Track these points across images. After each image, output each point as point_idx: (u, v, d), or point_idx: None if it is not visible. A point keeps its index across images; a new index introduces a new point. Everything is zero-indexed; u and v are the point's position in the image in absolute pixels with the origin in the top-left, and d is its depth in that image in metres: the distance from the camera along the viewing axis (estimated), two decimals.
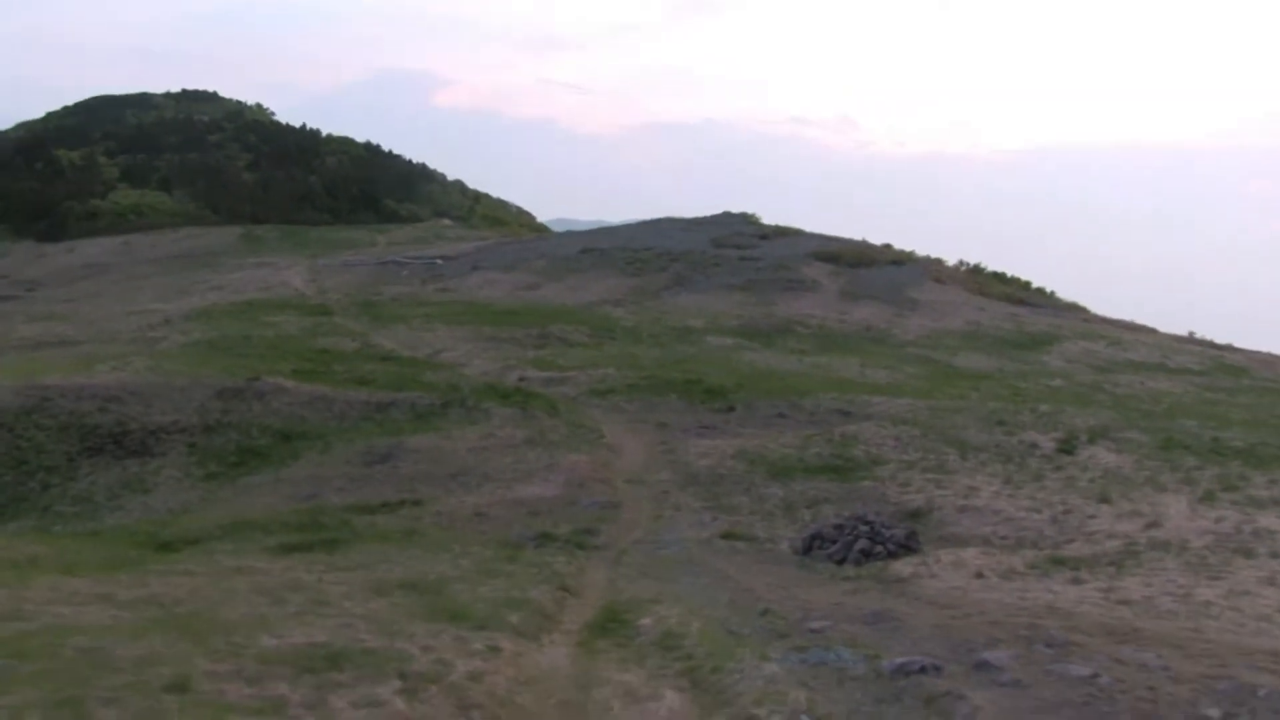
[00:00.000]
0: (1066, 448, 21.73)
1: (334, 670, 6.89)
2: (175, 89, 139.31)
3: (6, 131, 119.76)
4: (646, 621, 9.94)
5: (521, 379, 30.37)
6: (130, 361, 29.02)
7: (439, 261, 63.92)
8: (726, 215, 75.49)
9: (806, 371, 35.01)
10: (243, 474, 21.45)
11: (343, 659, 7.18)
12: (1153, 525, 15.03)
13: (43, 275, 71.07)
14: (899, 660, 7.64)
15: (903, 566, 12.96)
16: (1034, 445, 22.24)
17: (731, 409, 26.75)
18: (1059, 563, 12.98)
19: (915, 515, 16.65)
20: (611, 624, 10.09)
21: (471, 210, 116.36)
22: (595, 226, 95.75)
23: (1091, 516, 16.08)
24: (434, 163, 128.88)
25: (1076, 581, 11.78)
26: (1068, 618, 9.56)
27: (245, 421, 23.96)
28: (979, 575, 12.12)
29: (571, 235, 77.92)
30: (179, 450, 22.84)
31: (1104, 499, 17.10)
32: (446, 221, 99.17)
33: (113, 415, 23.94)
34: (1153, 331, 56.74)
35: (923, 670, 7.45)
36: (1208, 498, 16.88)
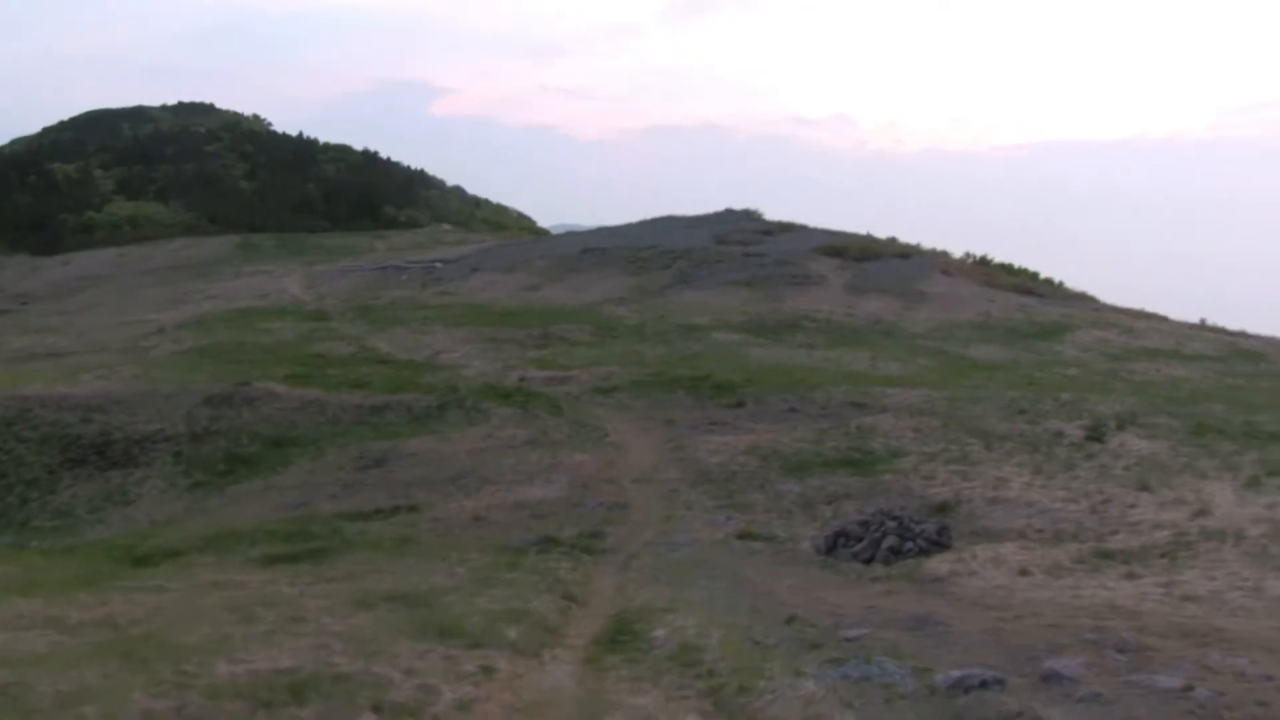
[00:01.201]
0: (1095, 435, 20.66)
1: (296, 703, 5.87)
2: (171, 102, 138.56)
3: (1, 147, 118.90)
4: (660, 633, 8.90)
5: (523, 379, 29.31)
6: (117, 370, 28.02)
7: (438, 265, 62.87)
8: (729, 212, 74.29)
9: (817, 365, 33.90)
10: (231, 483, 20.45)
11: (309, 688, 6.16)
12: (1201, 514, 13.97)
13: (37, 289, 70.14)
14: (955, 674, 6.59)
15: (937, 564, 11.90)
16: (1060, 433, 21.18)
17: (741, 404, 25.68)
18: (1107, 556, 11.93)
19: (943, 509, 15.58)
20: (622, 636, 9.04)
21: (472, 216, 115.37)
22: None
23: (1132, 506, 15.03)
24: (434, 171, 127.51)
25: (1131, 576, 10.72)
26: (1134, 617, 8.51)
27: (234, 429, 22.95)
28: (1023, 572, 11.05)
29: (572, 236, 76.85)
30: (164, 460, 21.84)
31: (1143, 487, 16.05)
32: (446, 227, 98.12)
33: (96, 425, 22.95)
34: (1164, 319, 55.65)
35: (984, 685, 6.41)
36: (1253, 483, 15.82)
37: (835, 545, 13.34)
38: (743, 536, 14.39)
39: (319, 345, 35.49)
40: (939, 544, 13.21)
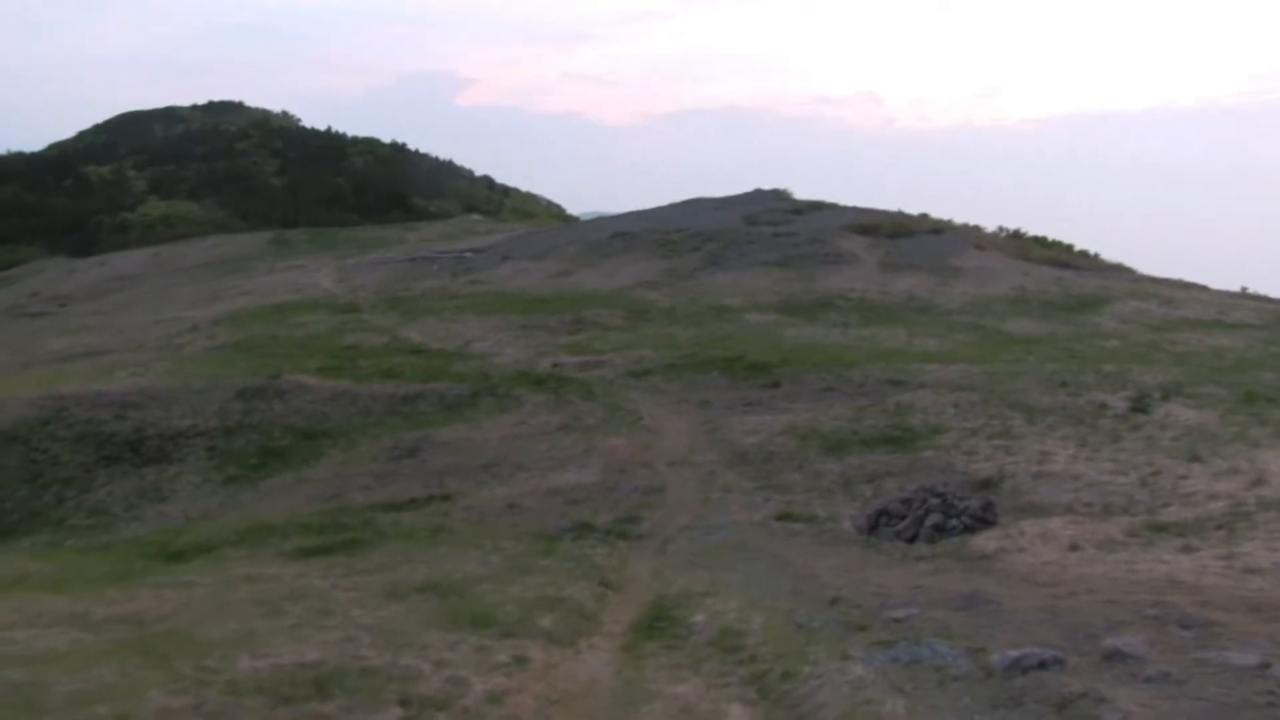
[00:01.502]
0: (1140, 406, 20.13)
1: (319, 699, 5.62)
2: (201, 101, 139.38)
3: (39, 152, 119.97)
4: (700, 618, 8.60)
5: (555, 365, 29.06)
6: (151, 367, 28.04)
7: (469, 254, 62.77)
8: (758, 193, 73.66)
9: (852, 344, 33.44)
10: (264, 476, 20.33)
11: (333, 683, 5.91)
12: (1258, 483, 13.47)
13: (74, 290, 70.71)
14: (1012, 654, 6.24)
15: (984, 541, 11.50)
16: (1104, 405, 20.66)
17: (777, 384, 25.28)
18: (1160, 529, 11.48)
19: (986, 485, 15.16)
20: (660, 623, 8.75)
21: (501, 205, 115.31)
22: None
23: (1183, 477, 14.52)
24: (462, 161, 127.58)
25: (1188, 549, 10.28)
26: (1195, 592, 8.11)
27: (266, 422, 22.84)
28: (1074, 547, 10.63)
29: (602, 221, 76.47)
30: (198, 455, 21.77)
31: (1194, 457, 15.53)
32: (476, 216, 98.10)
33: (130, 422, 22.92)
34: (1204, 289, 54.56)
35: (1043, 665, 6.06)
36: None
37: (877, 524, 12.98)
38: (782, 518, 14.06)
39: (351, 337, 35.42)
40: (984, 520, 12.81)
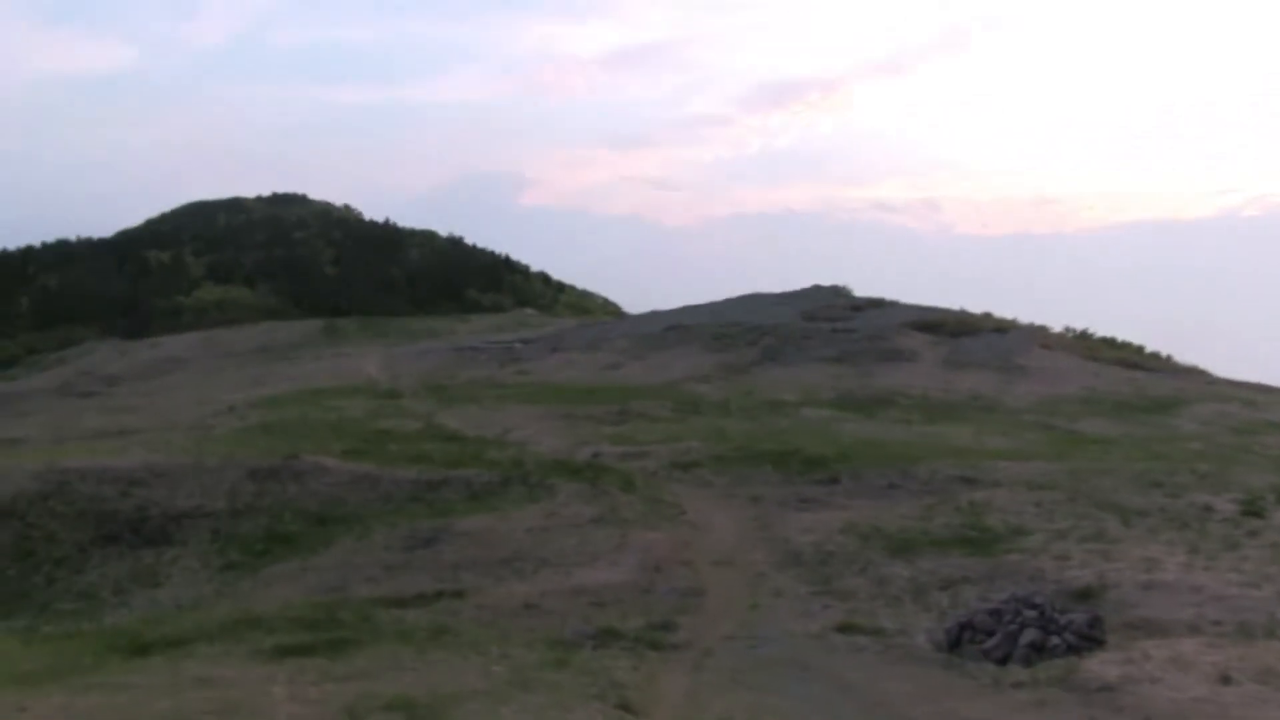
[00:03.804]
0: (1253, 509, 17.74)
1: None
2: (266, 193, 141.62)
3: (108, 240, 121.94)
4: None
5: (595, 455, 27.09)
6: (170, 445, 26.55)
7: (518, 345, 61.50)
8: (817, 289, 71.87)
9: (915, 440, 31.15)
10: (267, 563, 18.45)
11: None
12: None
13: (123, 371, 70.43)
14: None
15: (1099, 666, 9.27)
16: (1209, 508, 18.27)
17: (835, 480, 23.07)
18: None
19: (1085, 595, 12.85)
20: None
21: (555, 300, 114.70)
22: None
23: None
24: (520, 259, 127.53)
25: None
26: None
27: (277, 505, 21.06)
28: (1225, 679, 8.39)
29: (655, 315, 75.04)
30: (201, 538, 20.00)
31: None
32: (530, 311, 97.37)
33: (134, 500, 21.27)
34: None
35: None
36: None
37: (960, 640, 10.77)
38: (843, 629, 11.87)
39: (385, 422, 33.84)
40: (1092, 639, 10.55)
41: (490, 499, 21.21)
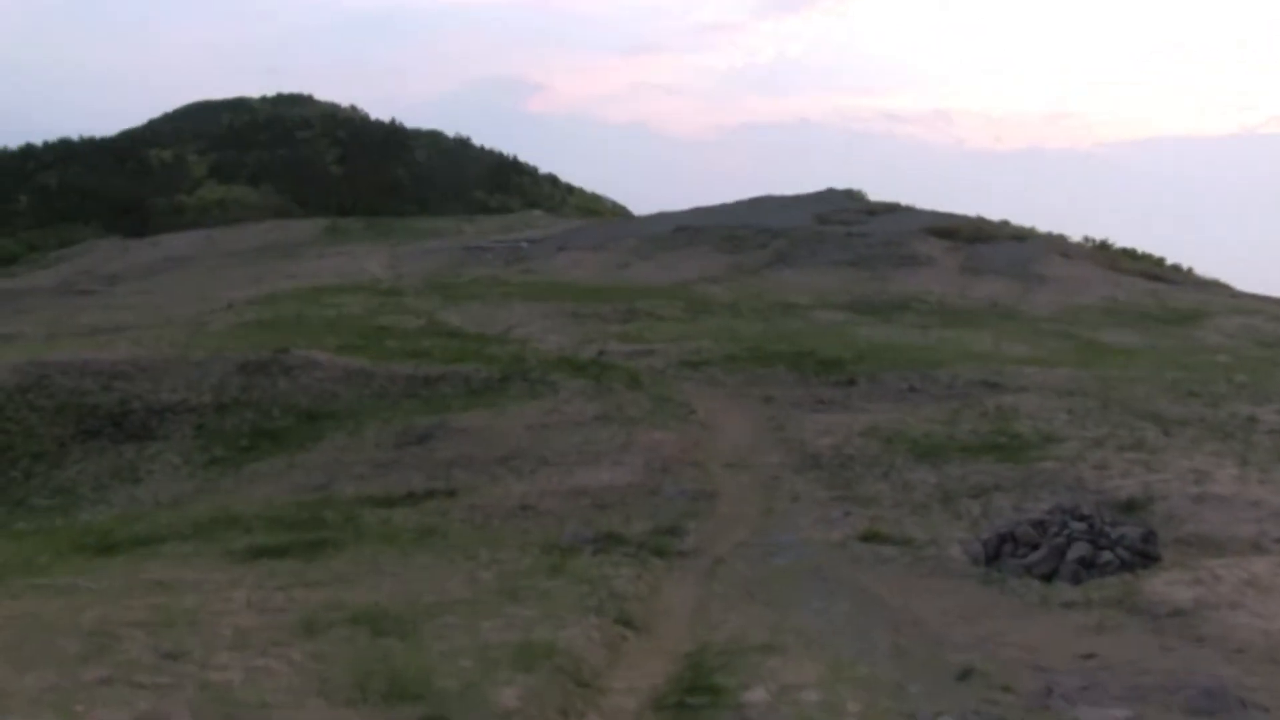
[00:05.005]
0: None
1: None
2: (271, 94, 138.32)
3: (110, 138, 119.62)
4: (757, 695, 5.42)
5: (601, 352, 25.97)
6: (159, 339, 25.46)
7: (524, 244, 60.05)
8: (830, 192, 69.99)
9: (934, 345, 29.97)
10: (251, 460, 17.48)
11: None
12: None
13: (124, 270, 69.23)
14: None
15: (1163, 586, 8.18)
16: (1253, 418, 17.13)
17: (852, 382, 21.96)
18: None
19: (1130, 507, 11.75)
20: (695, 698, 5.57)
21: (564, 202, 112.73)
22: None
23: None
24: (527, 161, 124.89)
25: None
26: None
27: (266, 400, 20.03)
28: None
29: (664, 215, 73.34)
30: (184, 433, 19.02)
31: None
32: (538, 212, 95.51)
33: (116, 394, 20.26)
34: None
35: None
36: None
37: (1000, 553, 9.70)
38: (868, 538, 10.80)
39: (385, 318, 32.72)
40: (1145, 554, 9.48)
41: (489, 395, 20.15)
